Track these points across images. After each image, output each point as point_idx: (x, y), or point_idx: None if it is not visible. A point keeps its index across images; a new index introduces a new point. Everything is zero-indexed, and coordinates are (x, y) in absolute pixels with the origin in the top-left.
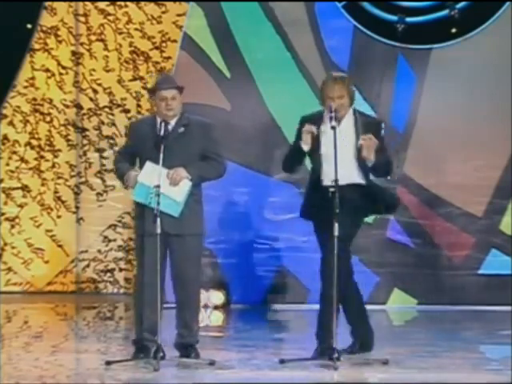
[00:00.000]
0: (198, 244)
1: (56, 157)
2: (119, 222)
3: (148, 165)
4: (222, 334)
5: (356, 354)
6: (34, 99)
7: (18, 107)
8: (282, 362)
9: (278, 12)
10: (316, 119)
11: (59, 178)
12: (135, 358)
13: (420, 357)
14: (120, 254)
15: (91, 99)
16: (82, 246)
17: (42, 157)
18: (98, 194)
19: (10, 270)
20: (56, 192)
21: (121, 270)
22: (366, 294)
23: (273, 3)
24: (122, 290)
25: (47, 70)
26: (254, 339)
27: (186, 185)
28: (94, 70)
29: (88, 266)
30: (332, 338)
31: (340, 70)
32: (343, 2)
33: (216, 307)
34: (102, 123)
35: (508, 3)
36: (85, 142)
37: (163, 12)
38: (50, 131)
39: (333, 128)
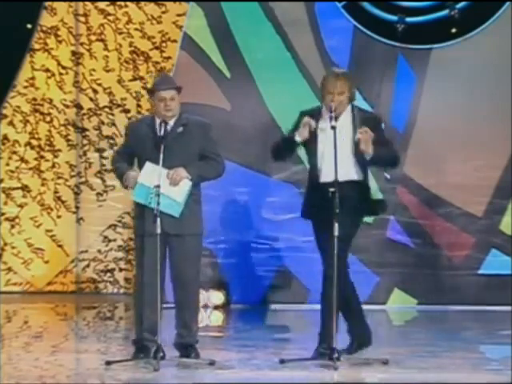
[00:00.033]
0: (198, 244)
1: (56, 157)
2: (119, 221)
3: (148, 165)
4: (221, 333)
5: (355, 353)
6: (34, 99)
7: (18, 107)
8: (282, 362)
9: (277, 12)
10: (315, 114)
11: (59, 178)
12: (135, 358)
13: (420, 357)
14: (120, 254)
15: (91, 99)
16: (82, 246)
17: (42, 157)
18: (98, 193)
19: (9, 270)
20: (56, 192)
21: (121, 270)
22: (366, 294)
23: (273, 3)
24: (121, 290)
25: (47, 70)
26: (254, 339)
27: (186, 185)
28: (93, 70)
29: (88, 266)
30: (332, 338)
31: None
32: (343, 2)
33: (216, 307)
34: (102, 123)
35: (508, 3)
36: (85, 142)
37: (163, 12)
38: (50, 131)
39: (333, 128)
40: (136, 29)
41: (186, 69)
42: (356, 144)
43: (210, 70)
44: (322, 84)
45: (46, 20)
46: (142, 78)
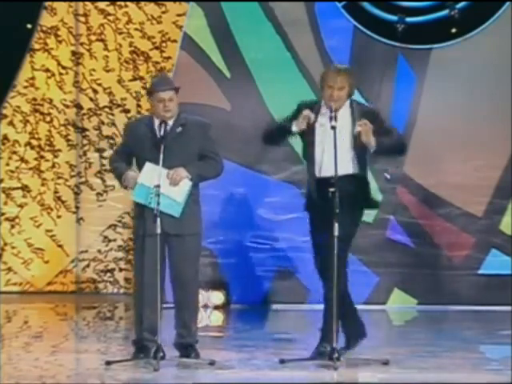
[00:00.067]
0: (197, 244)
1: (56, 157)
2: (119, 221)
3: (148, 165)
4: (222, 333)
5: (354, 348)
6: (34, 99)
7: (18, 107)
8: (282, 362)
9: (277, 12)
10: (314, 107)
11: (59, 178)
12: (135, 358)
13: (420, 357)
14: (120, 254)
15: (91, 99)
16: (82, 246)
17: (42, 157)
18: (98, 193)
19: (9, 270)
20: (56, 192)
21: (121, 270)
22: (366, 294)
23: (273, 3)
24: (121, 290)
25: (47, 70)
26: (254, 339)
27: (186, 185)
28: (94, 70)
29: (88, 266)
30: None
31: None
32: (343, 2)
33: (216, 307)
34: (102, 123)
35: (508, 3)
36: (85, 142)
37: (163, 12)
38: (50, 131)
39: (333, 128)
40: (136, 29)
41: (186, 69)
42: (355, 138)
43: (210, 70)
44: (321, 77)
45: (45, 20)
46: (142, 78)
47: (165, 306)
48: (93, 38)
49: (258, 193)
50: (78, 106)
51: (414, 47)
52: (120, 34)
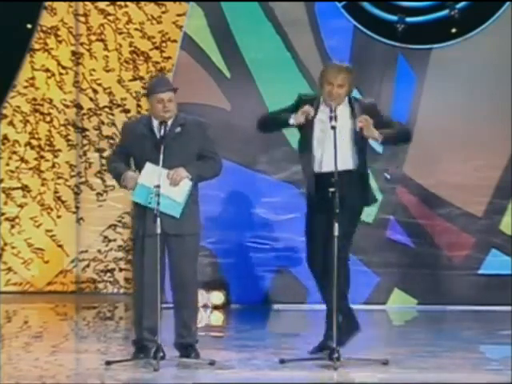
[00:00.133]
0: (196, 244)
1: (56, 157)
2: (119, 221)
3: (148, 166)
4: (222, 333)
5: (347, 341)
6: (34, 99)
7: (18, 107)
8: (282, 362)
9: (277, 12)
10: (314, 102)
11: (59, 178)
12: (135, 358)
13: (420, 357)
14: (120, 254)
15: (91, 99)
16: (82, 246)
17: (42, 157)
18: (98, 193)
19: (9, 270)
20: (56, 192)
21: (121, 270)
22: (366, 294)
23: (273, 3)
24: (121, 290)
25: (47, 70)
26: (254, 339)
27: (186, 185)
28: (94, 70)
29: (88, 266)
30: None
31: None
32: (343, 2)
33: (216, 307)
34: (102, 123)
35: (508, 3)
36: (85, 142)
37: (163, 12)
38: (50, 131)
39: (333, 128)
40: (136, 29)
41: (186, 69)
42: (356, 134)
43: (210, 70)
44: (321, 74)
45: (46, 20)
46: (141, 78)
47: (164, 306)
48: (93, 37)
49: (258, 193)
50: (78, 106)
51: (414, 47)
52: (120, 34)
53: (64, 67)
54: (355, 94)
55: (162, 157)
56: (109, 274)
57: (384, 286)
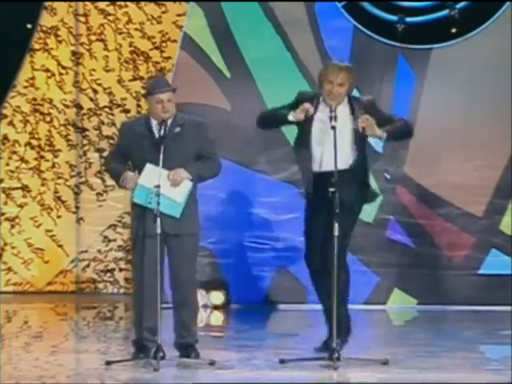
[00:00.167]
0: (195, 244)
1: (56, 157)
2: (119, 221)
3: (148, 166)
4: (222, 333)
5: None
6: (34, 99)
7: (18, 107)
8: (282, 361)
9: (277, 12)
10: (314, 101)
11: (59, 178)
12: (135, 358)
13: (420, 357)
14: (120, 254)
15: (91, 99)
16: (82, 246)
17: (42, 157)
18: (98, 193)
19: (9, 270)
20: (56, 192)
21: (121, 270)
22: (366, 294)
23: (273, 3)
24: (121, 290)
25: (47, 70)
26: (254, 339)
27: (186, 186)
28: (93, 70)
29: (88, 266)
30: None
31: None
32: (343, 2)
33: (216, 307)
34: (102, 123)
35: (508, 3)
36: (85, 142)
37: (163, 12)
38: (50, 131)
39: (333, 128)
40: (136, 29)
41: (186, 69)
42: (356, 133)
43: (210, 70)
44: (321, 73)
45: (46, 20)
46: (141, 78)
47: (164, 306)
48: (93, 37)
49: (258, 193)
50: (78, 106)
51: (414, 47)
52: (120, 34)
53: (64, 67)
54: (355, 93)
55: (161, 157)
56: (109, 274)
57: (384, 286)
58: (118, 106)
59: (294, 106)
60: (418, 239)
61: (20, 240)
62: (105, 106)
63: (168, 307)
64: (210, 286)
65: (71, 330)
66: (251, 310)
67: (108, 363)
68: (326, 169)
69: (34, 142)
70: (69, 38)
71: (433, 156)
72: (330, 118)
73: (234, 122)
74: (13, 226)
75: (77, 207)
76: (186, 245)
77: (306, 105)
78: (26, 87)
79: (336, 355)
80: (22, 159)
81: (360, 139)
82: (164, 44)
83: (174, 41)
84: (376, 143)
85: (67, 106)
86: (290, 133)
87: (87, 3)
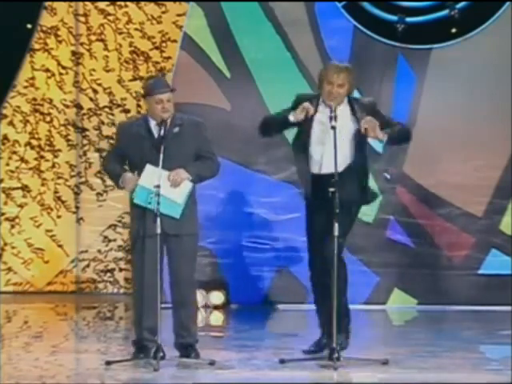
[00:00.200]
0: (195, 244)
1: (56, 157)
2: (119, 221)
3: (148, 167)
4: (222, 334)
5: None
6: (34, 99)
7: (18, 107)
8: (282, 362)
9: (277, 12)
10: (313, 102)
11: (59, 178)
12: (135, 358)
13: (420, 357)
14: (120, 254)
15: (91, 99)
16: (82, 246)
17: (42, 157)
18: (98, 193)
19: (9, 270)
20: (56, 192)
21: (121, 270)
22: (366, 294)
23: (273, 3)
24: (121, 290)
25: (47, 70)
26: (254, 339)
27: (186, 186)
28: (93, 70)
29: (88, 266)
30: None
31: None
32: (343, 2)
33: (216, 307)
34: (102, 123)
35: (508, 3)
36: (85, 142)
37: (163, 12)
38: (50, 131)
39: (333, 128)
40: (136, 29)
41: (186, 69)
42: (356, 133)
43: (210, 70)
44: (321, 74)
45: (46, 20)
46: (141, 78)
47: (164, 305)
48: (93, 37)
49: (258, 193)
50: (78, 106)
51: (414, 47)
52: (120, 34)
53: (64, 67)
54: (355, 94)
55: (161, 157)
56: (109, 274)
57: (384, 286)
58: (118, 105)
59: (294, 108)
60: (418, 239)
61: (20, 240)
62: (105, 106)
63: (168, 307)
64: (210, 285)
65: (71, 329)
66: (251, 310)
67: (108, 363)
68: (326, 171)
69: (34, 142)
70: (69, 38)
71: (433, 156)
72: (330, 118)
73: (233, 121)
74: (13, 226)
75: (77, 207)
76: (186, 245)
77: (306, 104)
78: (26, 87)
79: (336, 355)
80: (22, 159)
81: (360, 140)
82: (164, 44)
83: (174, 41)
84: (376, 143)
85: (67, 106)
86: (290, 133)
87: (87, 3)
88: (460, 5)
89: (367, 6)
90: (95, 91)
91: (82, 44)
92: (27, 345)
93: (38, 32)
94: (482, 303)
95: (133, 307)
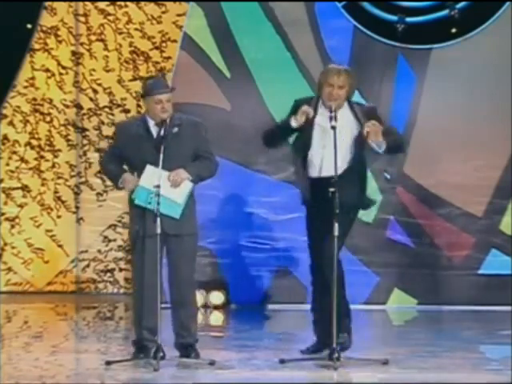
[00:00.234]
0: (194, 244)
1: (56, 157)
2: (119, 221)
3: (148, 168)
4: (222, 333)
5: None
6: (34, 99)
7: (18, 107)
8: (282, 362)
9: (277, 12)
10: (311, 105)
11: (59, 178)
12: (135, 358)
13: (420, 357)
14: (120, 254)
15: (91, 99)
16: (82, 246)
17: (42, 157)
18: (98, 193)
19: (9, 270)
20: (56, 192)
21: (121, 270)
22: (366, 294)
23: (273, 3)
24: (121, 290)
25: (47, 70)
26: (254, 339)
27: (186, 186)
28: (93, 70)
29: (88, 266)
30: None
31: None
32: (343, 2)
33: (216, 307)
34: (102, 123)
35: (508, 3)
36: (85, 142)
37: (163, 12)
38: (50, 131)
39: (333, 128)
40: (136, 29)
41: (186, 69)
42: (357, 136)
43: (210, 70)
44: (321, 76)
45: (46, 20)
46: (141, 78)
47: (164, 305)
48: (93, 37)
49: (258, 193)
50: (78, 106)
51: (414, 47)
52: (120, 34)
53: (64, 67)
54: (358, 98)
55: (161, 157)
56: (109, 274)
57: (384, 286)
58: (118, 105)
59: (293, 113)
60: (418, 239)
61: (20, 240)
62: (105, 106)
63: (168, 307)
64: (210, 285)
65: (71, 329)
66: (251, 310)
67: (108, 363)
68: (326, 174)
69: (34, 142)
70: (69, 38)
71: (433, 156)
72: (330, 118)
73: (233, 121)
74: (13, 226)
75: (77, 207)
76: (186, 245)
77: (305, 107)
78: (26, 87)
79: (336, 355)
80: (22, 159)
81: (360, 143)
82: (164, 44)
83: (174, 41)
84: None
85: (67, 106)
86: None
87: (87, 3)
88: (460, 5)
89: (367, 6)
90: (95, 91)
91: (81, 44)
92: (27, 345)
93: (38, 32)
94: (481, 303)
95: (133, 307)
